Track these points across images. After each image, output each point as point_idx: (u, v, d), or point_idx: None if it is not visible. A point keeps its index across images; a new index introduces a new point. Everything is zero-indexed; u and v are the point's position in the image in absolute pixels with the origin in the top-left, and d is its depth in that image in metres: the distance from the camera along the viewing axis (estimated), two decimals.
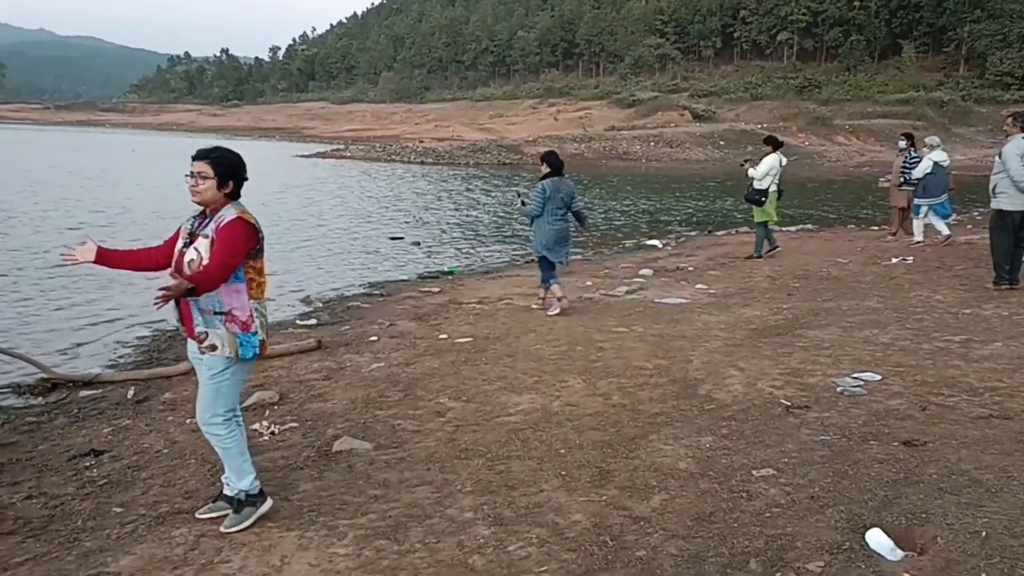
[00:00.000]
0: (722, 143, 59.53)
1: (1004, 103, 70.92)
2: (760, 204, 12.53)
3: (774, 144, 12.76)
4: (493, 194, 28.69)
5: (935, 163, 12.99)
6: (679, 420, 5.18)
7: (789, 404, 5.31)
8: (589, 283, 11.06)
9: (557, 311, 8.81)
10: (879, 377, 5.80)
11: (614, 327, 8.02)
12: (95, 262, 3.72)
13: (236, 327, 3.69)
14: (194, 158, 3.68)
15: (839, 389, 5.58)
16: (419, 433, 5.20)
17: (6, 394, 6.62)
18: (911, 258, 11.84)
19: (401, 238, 16.98)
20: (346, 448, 4.93)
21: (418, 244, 16.28)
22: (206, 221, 3.70)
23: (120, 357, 7.98)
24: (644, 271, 12.07)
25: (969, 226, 17.32)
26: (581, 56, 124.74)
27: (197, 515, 4.01)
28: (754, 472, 4.22)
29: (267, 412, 5.80)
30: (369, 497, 4.21)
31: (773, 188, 12.47)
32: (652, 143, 59.29)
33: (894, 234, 14.72)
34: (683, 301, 9.50)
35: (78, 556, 3.68)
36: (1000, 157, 8.85)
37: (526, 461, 4.60)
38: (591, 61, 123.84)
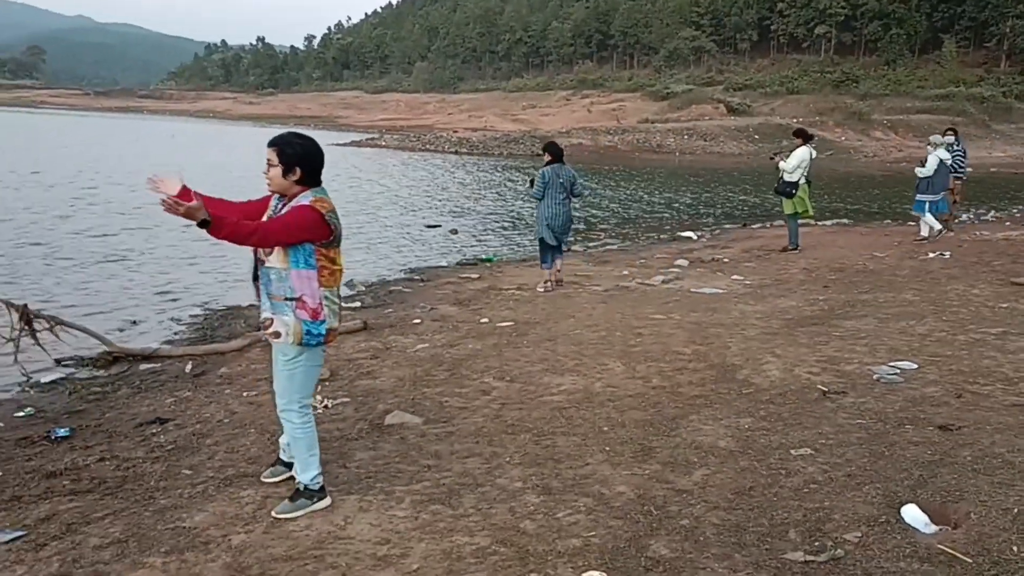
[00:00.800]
0: (757, 137, 59.11)
1: None
2: (790, 196, 12.64)
3: (804, 137, 12.86)
4: (527, 184, 28.86)
5: (941, 161, 13.14)
6: (718, 402, 5.34)
7: (826, 389, 5.45)
8: (626, 272, 11.23)
9: (541, 290, 9.61)
10: (915, 366, 5.92)
11: (652, 314, 8.18)
12: (178, 197, 3.50)
13: (305, 314, 3.67)
14: (268, 144, 3.68)
15: (875, 376, 5.71)
16: (466, 409, 5.41)
17: (70, 365, 6.96)
18: (948, 253, 11.86)
19: (439, 226, 17.24)
20: (397, 422, 5.16)
21: (455, 232, 16.52)
22: (283, 206, 3.70)
23: (175, 334, 8.32)
24: (679, 261, 12.21)
25: (1007, 223, 17.22)
26: (615, 48, 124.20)
27: (262, 478, 4.24)
28: (792, 451, 4.38)
29: (319, 387, 6.03)
30: (422, 466, 4.43)
31: (803, 181, 12.56)
32: (686, 136, 59.02)
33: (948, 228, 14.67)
34: (719, 291, 9.63)
35: (154, 512, 3.93)
36: None
37: (571, 437, 4.79)
38: (625, 53, 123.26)
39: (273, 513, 3.83)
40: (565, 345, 6.98)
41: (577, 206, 9.91)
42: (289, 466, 4.11)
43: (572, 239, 10.60)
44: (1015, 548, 3.21)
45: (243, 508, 3.92)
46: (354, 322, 8.00)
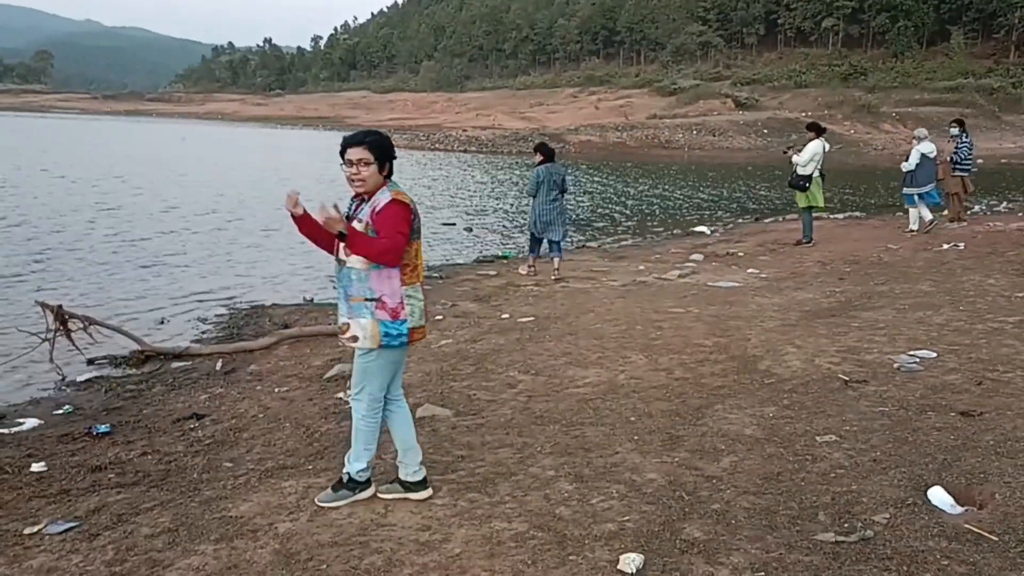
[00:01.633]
0: (765, 131, 59.10)
1: None
2: (804, 189, 12.74)
3: (817, 130, 12.99)
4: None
5: (923, 155, 13.41)
6: (741, 392, 5.45)
7: (847, 379, 5.55)
8: (642, 267, 11.33)
9: (523, 272, 10.87)
10: (935, 355, 6.01)
11: (670, 308, 8.28)
12: (295, 219, 3.71)
13: (385, 314, 3.62)
14: (348, 145, 3.59)
15: (896, 365, 5.80)
16: (494, 402, 5.53)
17: (104, 364, 7.12)
18: (962, 244, 11.92)
19: (454, 224, 17.37)
20: (428, 414, 5.28)
21: (470, 230, 16.65)
22: (362, 206, 3.65)
23: (203, 333, 8.48)
24: (695, 256, 12.31)
25: (1020, 213, 17.25)
26: (622, 44, 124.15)
27: (379, 494, 3.98)
28: (817, 438, 4.48)
29: (348, 383, 6.17)
30: (456, 457, 4.55)
31: (817, 174, 12.67)
32: (694, 131, 59.05)
33: (954, 220, 14.74)
34: (736, 284, 9.73)
35: (200, 503, 4.06)
36: None
37: (599, 427, 4.91)
38: (632, 49, 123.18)
39: (316, 500, 3.91)
40: (586, 339, 7.09)
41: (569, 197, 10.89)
42: (406, 486, 3.98)
43: (568, 236, 11.69)
44: None
45: (286, 498, 4.04)
46: None
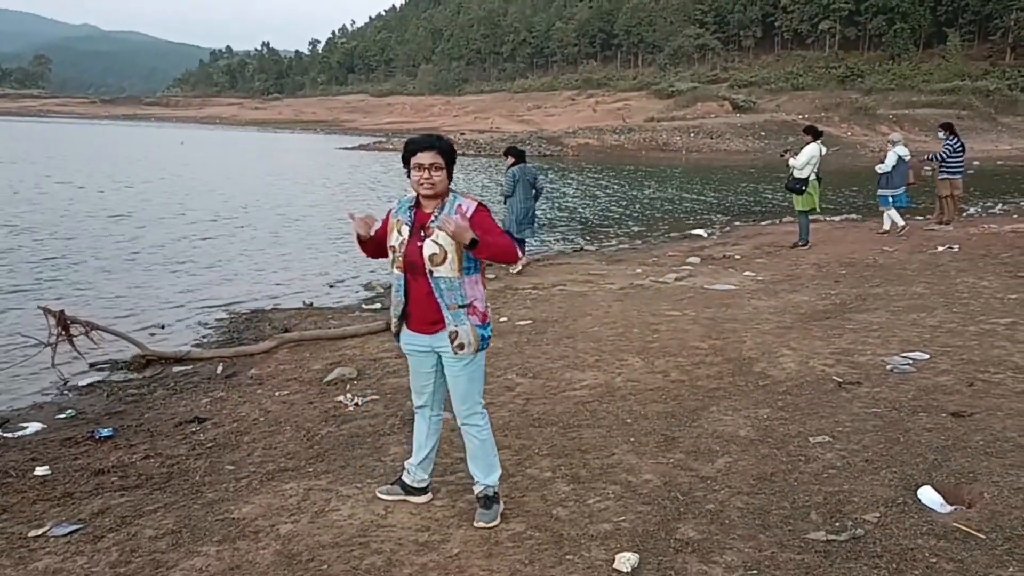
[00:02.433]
0: (763, 134, 59.21)
1: None
2: (801, 193, 12.84)
3: (814, 134, 13.08)
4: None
5: (899, 157, 13.67)
6: (736, 394, 5.51)
7: (841, 380, 5.62)
8: (639, 270, 11.40)
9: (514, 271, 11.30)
10: (927, 356, 6.09)
11: (667, 311, 8.35)
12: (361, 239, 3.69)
13: (476, 319, 3.61)
14: (419, 149, 3.52)
15: (888, 367, 5.87)
16: (492, 405, 5.58)
17: (105, 369, 7.18)
18: (956, 246, 12.00)
19: None
20: None
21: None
22: (440, 212, 3.53)
23: (203, 337, 8.53)
24: (691, 259, 12.38)
25: (1015, 215, 17.34)
26: (619, 47, 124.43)
27: (377, 493, 4.04)
28: (810, 439, 4.55)
29: (348, 386, 6.25)
30: (454, 459, 4.60)
31: (814, 177, 12.77)
32: (692, 134, 59.16)
33: (947, 222, 14.83)
34: (732, 287, 9.80)
35: (203, 505, 4.13)
36: None
37: (595, 429, 4.97)
38: (630, 52, 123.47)
39: (479, 524, 3.72)
40: (584, 342, 7.16)
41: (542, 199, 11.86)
42: (409, 491, 3.97)
43: (537, 233, 12.41)
44: None
45: (287, 500, 4.11)
46: (376, 323, 8.19)
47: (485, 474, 3.82)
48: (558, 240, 16.29)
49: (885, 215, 14.32)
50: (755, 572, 3.20)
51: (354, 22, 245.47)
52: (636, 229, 18.04)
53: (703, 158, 49.48)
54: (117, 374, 7.09)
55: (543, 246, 15.36)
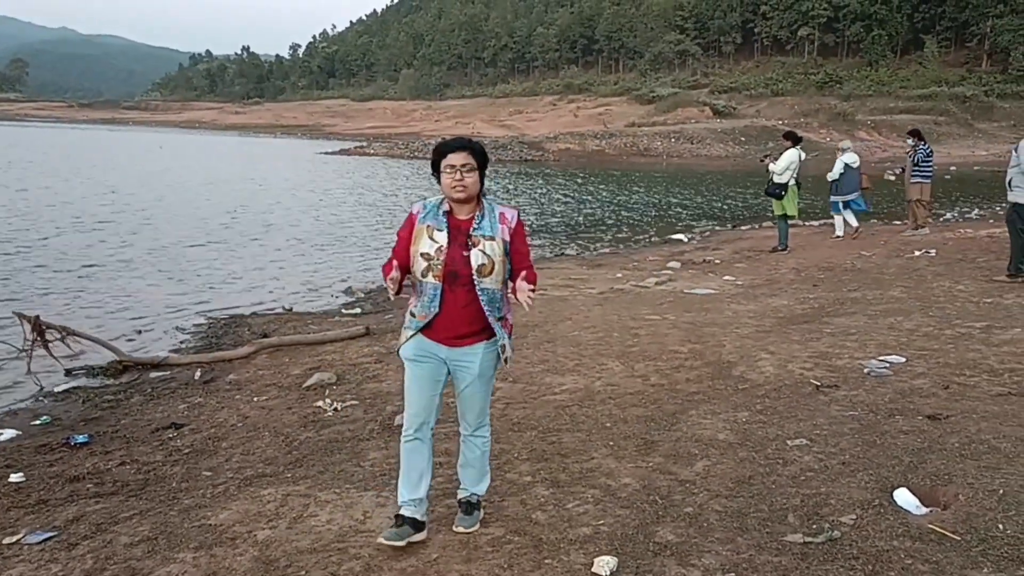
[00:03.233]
0: (743, 139, 59.60)
1: None
2: (780, 198, 12.98)
3: (794, 139, 13.24)
4: (519, 190, 29.11)
5: (846, 164, 14.05)
6: (715, 398, 5.53)
7: (819, 384, 5.65)
8: (619, 274, 11.43)
9: None
10: (904, 360, 6.14)
11: (647, 315, 8.38)
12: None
13: (507, 330, 3.59)
14: (450, 150, 3.38)
15: (866, 370, 5.91)
16: None
17: (81, 375, 7.11)
18: (933, 251, 12.12)
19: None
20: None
21: None
22: (480, 219, 3.41)
23: (181, 342, 8.48)
24: (672, 264, 12.44)
25: (991, 220, 17.53)
26: (600, 52, 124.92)
27: (385, 539, 3.53)
28: (788, 442, 4.57)
29: (327, 392, 6.22)
30: (434, 464, 4.59)
31: (793, 182, 12.89)
32: (673, 139, 59.45)
33: (920, 226, 14.96)
34: (712, 291, 9.85)
35: (180, 511, 4.09)
36: (1016, 152, 9.15)
37: (575, 433, 4.97)
38: (611, 57, 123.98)
39: (462, 528, 3.66)
40: (564, 346, 7.17)
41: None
42: (419, 526, 3.63)
43: None
44: (1000, 526, 3.41)
45: (265, 506, 4.08)
46: (356, 328, 8.17)
47: (475, 482, 3.78)
48: (539, 245, 16.30)
49: (836, 220, 14.73)
50: (733, 575, 3.21)
51: (335, 26, 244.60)
52: (617, 234, 18.11)
53: (683, 163, 49.72)
54: (93, 380, 7.02)
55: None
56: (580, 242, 16.77)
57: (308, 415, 5.67)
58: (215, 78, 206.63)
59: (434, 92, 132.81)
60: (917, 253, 12.08)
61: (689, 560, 3.33)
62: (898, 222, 18.18)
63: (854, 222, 14.42)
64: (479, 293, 3.38)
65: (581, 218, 21.07)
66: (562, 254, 15.11)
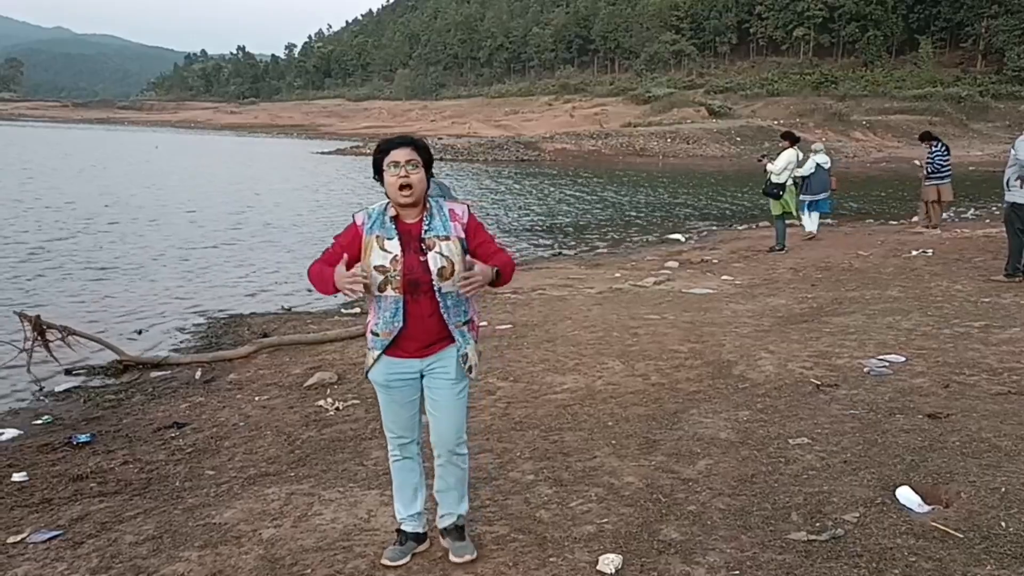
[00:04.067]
0: (739, 139, 59.61)
1: (1022, 99, 70.90)
2: (777, 197, 13.02)
3: (791, 139, 13.29)
4: (516, 189, 29.11)
5: (818, 164, 14.00)
6: (716, 397, 5.56)
7: (819, 383, 5.68)
8: (618, 274, 11.45)
9: None
10: (903, 359, 6.16)
11: (646, 315, 8.40)
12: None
13: (474, 334, 3.34)
14: (394, 146, 3.17)
15: (866, 369, 5.94)
16: (473, 408, 5.57)
17: (82, 374, 7.11)
18: (930, 250, 12.16)
19: None
20: None
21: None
22: (430, 220, 3.19)
23: (181, 342, 8.48)
24: (670, 263, 12.46)
25: (987, 220, 17.59)
26: (596, 52, 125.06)
27: (388, 560, 3.44)
28: (790, 441, 4.59)
29: (328, 391, 6.22)
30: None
31: (790, 182, 12.94)
32: (668, 139, 59.44)
33: (934, 226, 15.02)
34: (710, 291, 9.87)
35: (184, 510, 4.10)
36: (1014, 149, 9.19)
37: (577, 432, 4.99)
38: (606, 58, 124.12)
39: (462, 559, 3.40)
40: (564, 346, 7.18)
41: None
42: (420, 540, 3.56)
43: None
44: (1003, 524, 3.43)
45: (269, 504, 4.09)
46: (356, 327, 8.18)
47: (459, 502, 3.51)
48: (537, 245, 16.32)
49: (804, 220, 14.63)
50: (737, 572, 3.22)
51: (331, 26, 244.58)
52: (615, 234, 18.13)
53: (680, 163, 49.77)
54: (94, 380, 7.02)
55: (524, 251, 15.40)
56: (578, 242, 16.79)
57: (310, 414, 5.67)
58: (210, 78, 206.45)
59: (430, 92, 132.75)
60: (914, 253, 12.11)
61: (693, 558, 3.35)
62: (894, 222, 18.24)
63: (813, 228, 14.46)
64: (440, 299, 3.15)
65: (579, 218, 21.10)
66: (560, 254, 15.12)
